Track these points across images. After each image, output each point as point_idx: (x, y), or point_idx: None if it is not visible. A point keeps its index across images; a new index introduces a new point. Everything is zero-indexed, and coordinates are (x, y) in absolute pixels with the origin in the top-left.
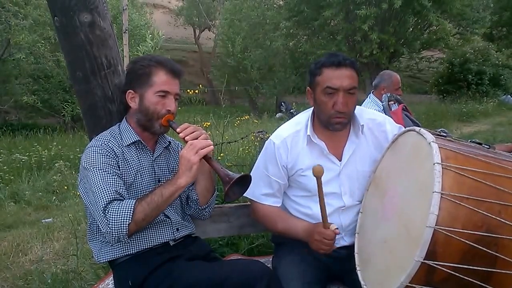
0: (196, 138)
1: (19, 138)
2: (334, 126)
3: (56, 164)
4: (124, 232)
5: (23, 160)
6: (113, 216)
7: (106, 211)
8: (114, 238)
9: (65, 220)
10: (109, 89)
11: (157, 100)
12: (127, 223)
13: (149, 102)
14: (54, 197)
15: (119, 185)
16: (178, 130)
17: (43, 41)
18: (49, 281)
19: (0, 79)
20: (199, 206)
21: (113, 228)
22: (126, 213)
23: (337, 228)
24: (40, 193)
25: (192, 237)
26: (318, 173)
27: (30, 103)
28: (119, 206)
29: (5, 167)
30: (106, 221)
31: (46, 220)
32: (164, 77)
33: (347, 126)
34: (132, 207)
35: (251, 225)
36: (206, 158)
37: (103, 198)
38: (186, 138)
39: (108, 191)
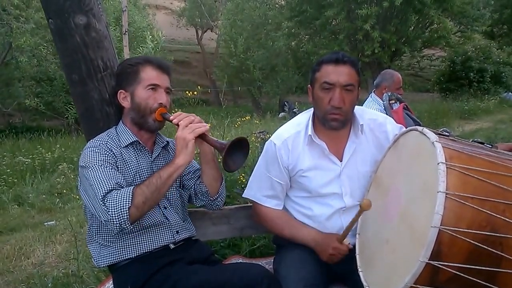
0: (191, 123)
1: (23, 141)
2: (330, 123)
3: (59, 167)
4: (125, 217)
5: (26, 162)
6: (112, 203)
7: (105, 200)
8: (116, 226)
9: (67, 223)
10: (106, 92)
11: (148, 95)
12: (126, 207)
13: (140, 98)
14: (57, 200)
15: (119, 177)
16: (171, 118)
17: (45, 44)
18: (49, 284)
19: (3, 82)
20: (210, 197)
21: (113, 215)
22: (125, 198)
23: (350, 243)
24: (44, 196)
25: (193, 240)
26: (365, 208)
27: (32, 106)
28: (117, 193)
29: (8, 170)
30: (105, 209)
31: (49, 223)
32: (153, 72)
33: (344, 124)
34: (131, 192)
35: (251, 227)
36: (200, 135)
37: (101, 188)
38: (180, 122)
39: (107, 182)
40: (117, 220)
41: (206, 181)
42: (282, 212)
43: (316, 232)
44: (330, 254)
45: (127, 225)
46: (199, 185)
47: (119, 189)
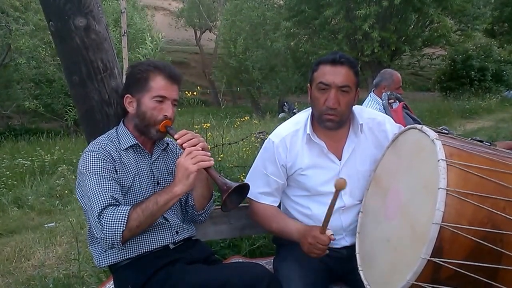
0: (195, 145)
1: (22, 143)
2: (325, 123)
3: (59, 169)
4: (118, 239)
5: (26, 165)
6: (107, 223)
7: (101, 217)
8: (108, 244)
9: (68, 225)
10: (106, 93)
11: (154, 105)
12: (121, 230)
13: (146, 107)
14: (57, 202)
15: (115, 190)
16: (176, 136)
17: (44, 46)
18: (51, 285)
19: (2, 84)
20: (196, 211)
21: (107, 235)
22: (120, 220)
23: (333, 234)
24: (43, 198)
25: (193, 240)
26: (340, 187)
27: (31, 108)
28: (114, 212)
29: (8, 172)
30: (100, 227)
31: (49, 225)
32: (162, 82)
33: (340, 125)
34: (127, 214)
35: (251, 226)
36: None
37: (98, 203)
38: (184, 145)
39: (103, 196)
40: (110, 240)
41: (195, 196)
42: (274, 208)
43: (301, 225)
44: (308, 243)
45: (119, 245)
46: (189, 196)
47: (115, 206)
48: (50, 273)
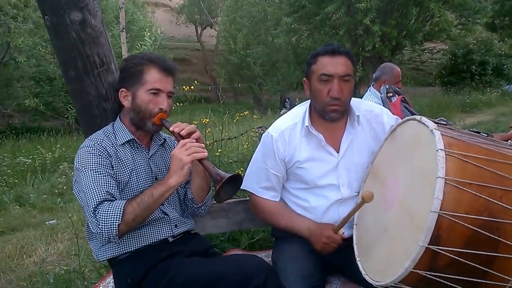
0: (190, 133)
1: (23, 141)
2: (329, 114)
3: (60, 166)
4: (114, 233)
5: (27, 163)
6: (103, 217)
7: (96, 212)
8: (105, 239)
9: (69, 221)
10: (102, 88)
11: (150, 98)
12: (116, 224)
13: (141, 101)
14: (59, 199)
15: (111, 185)
16: (171, 128)
17: (44, 43)
18: (52, 280)
19: (2, 82)
20: (195, 204)
21: (103, 229)
22: (115, 214)
23: (344, 233)
24: (45, 196)
25: (191, 233)
26: (368, 200)
27: (32, 106)
28: (109, 207)
29: (9, 171)
30: (96, 222)
31: (50, 222)
32: (157, 75)
33: (343, 115)
34: (122, 208)
35: (250, 220)
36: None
37: (93, 199)
38: (181, 132)
39: (98, 192)
40: (106, 234)
41: (193, 189)
42: (279, 203)
43: (311, 222)
44: (323, 243)
45: (115, 239)
46: (187, 190)
47: (111, 201)
48: (51, 269)
